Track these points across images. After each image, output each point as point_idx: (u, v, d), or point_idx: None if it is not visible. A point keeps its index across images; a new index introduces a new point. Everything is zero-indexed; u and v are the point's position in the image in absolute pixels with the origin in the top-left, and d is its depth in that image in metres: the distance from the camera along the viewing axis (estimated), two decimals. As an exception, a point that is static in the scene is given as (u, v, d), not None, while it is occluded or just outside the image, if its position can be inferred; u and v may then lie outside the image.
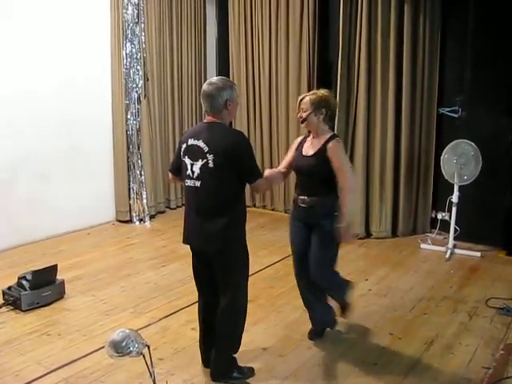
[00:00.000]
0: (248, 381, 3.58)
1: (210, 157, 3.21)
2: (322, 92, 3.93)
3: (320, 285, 4.00)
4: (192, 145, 3.30)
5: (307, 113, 3.84)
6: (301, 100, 3.91)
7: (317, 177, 3.84)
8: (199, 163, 3.26)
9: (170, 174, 3.73)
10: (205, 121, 3.38)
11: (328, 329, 4.22)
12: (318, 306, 4.13)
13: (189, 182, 3.34)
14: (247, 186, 3.37)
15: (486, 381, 3.59)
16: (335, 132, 4.24)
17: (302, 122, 3.91)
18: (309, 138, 3.99)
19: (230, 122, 3.77)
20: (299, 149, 4.00)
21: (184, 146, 3.37)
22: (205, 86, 3.31)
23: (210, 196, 3.27)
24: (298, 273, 4.06)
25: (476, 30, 6.19)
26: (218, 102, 3.25)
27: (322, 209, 3.85)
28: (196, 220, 3.36)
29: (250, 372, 3.64)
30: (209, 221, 3.29)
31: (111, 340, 2.67)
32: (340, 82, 6.54)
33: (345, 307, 4.23)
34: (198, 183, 3.29)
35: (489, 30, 6.10)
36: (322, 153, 3.81)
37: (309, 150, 3.91)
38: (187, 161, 3.33)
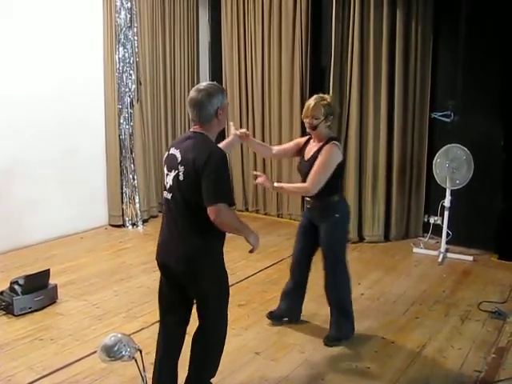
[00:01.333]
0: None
1: (181, 168, 2.90)
2: (329, 98, 4.00)
3: (330, 295, 4.17)
4: (171, 154, 3.03)
5: (319, 121, 3.89)
6: (313, 106, 3.90)
7: None
8: (172, 174, 2.97)
9: None
10: (191, 130, 3.10)
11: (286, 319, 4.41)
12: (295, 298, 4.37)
13: (165, 194, 3.07)
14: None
15: (478, 384, 3.62)
16: (335, 135, 4.33)
17: (314, 129, 3.94)
18: (312, 140, 4.08)
19: (222, 130, 3.44)
20: (303, 151, 4.10)
21: (166, 154, 3.12)
22: (192, 93, 2.99)
23: (183, 211, 2.96)
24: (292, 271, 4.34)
25: (468, 35, 6.23)
26: (207, 112, 2.95)
27: (322, 211, 4.03)
28: (169, 237, 3.09)
29: None
30: (179, 239, 3.01)
31: (103, 344, 2.67)
32: (332, 87, 6.57)
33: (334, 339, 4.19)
34: (169, 195, 3.01)
35: (481, 35, 6.13)
36: (317, 155, 3.91)
37: (308, 154, 4.01)
38: (165, 170, 3.07)
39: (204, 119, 2.98)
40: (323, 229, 4.05)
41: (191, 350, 3.20)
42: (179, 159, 2.94)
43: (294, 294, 4.38)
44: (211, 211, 2.84)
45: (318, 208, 4.07)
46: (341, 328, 4.16)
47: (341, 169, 4.06)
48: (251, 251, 3.14)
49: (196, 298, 3.14)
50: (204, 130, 3.01)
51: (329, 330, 4.18)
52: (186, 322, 3.26)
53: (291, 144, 4.30)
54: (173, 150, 3.03)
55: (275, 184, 4.02)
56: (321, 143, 3.96)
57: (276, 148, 4.44)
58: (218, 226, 2.88)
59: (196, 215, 2.92)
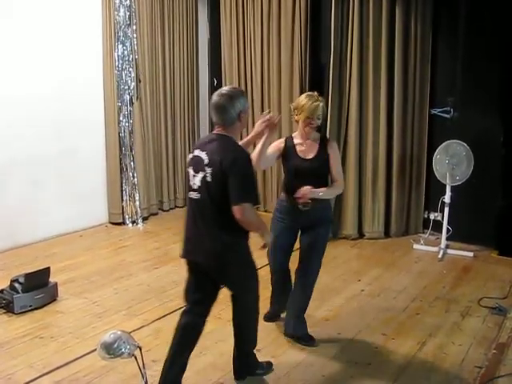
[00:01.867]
0: (242, 381, 3.59)
1: (209, 170, 3.05)
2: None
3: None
4: (196, 156, 3.15)
5: (321, 120, 3.94)
6: (317, 107, 3.86)
7: (320, 178, 3.94)
8: (199, 175, 3.10)
9: None
10: (214, 132, 3.22)
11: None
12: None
13: (190, 194, 3.20)
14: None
15: (478, 380, 3.61)
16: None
17: (319, 130, 3.98)
18: (297, 141, 4.00)
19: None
20: (291, 152, 3.99)
21: (190, 156, 3.24)
22: (215, 98, 3.12)
23: (210, 210, 3.10)
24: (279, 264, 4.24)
25: (467, 31, 6.22)
26: (230, 115, 3.09)
27: (322, 211, 4.00)
28: (196, 234, 3.21)
29: (269, 366, 3.70)
30: (207, 236, 3.14)
31: (103, 342, 2.67)
32: (332, 84, 6.54)
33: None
34: (197, 196, 3.14)
35: (480, 31, 6.12)
36: (323, 153, 3.92)
37: (308, 153, 3.96)
38: (190, 171, 3.19)
39: (227, 122, 3.12)
40: (319, 230, 4.01)
41: (232, 322, 3.51)
42: (206, 161, 3.08)
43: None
44: (236, 210, 3.00)
45: (318, 209, 3.91)
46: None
47: None
48: (264, 247, 3.35)
49: (228, 288, 3.36)
50: (227, 133, 3.14)
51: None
52: (208, 313, 3.42)
53: (273, 150, 4.01)
54: (198, 152, 3.16)
55: (321, 191, 3.86)
56: (316, 142, 3.96)
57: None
58: (242, 225, 3.06)
59: (223, 213, 3.06)
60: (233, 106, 3.08)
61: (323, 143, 3.97)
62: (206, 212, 3.12)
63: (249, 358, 3.61)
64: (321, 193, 3.82)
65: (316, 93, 3.99)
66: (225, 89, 3.20)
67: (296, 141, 4.00)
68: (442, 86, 6.51)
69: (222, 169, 3.00)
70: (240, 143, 3.41)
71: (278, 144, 4.07)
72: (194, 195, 3.16)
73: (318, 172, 3.93)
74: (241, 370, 3.59)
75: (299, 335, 4.09)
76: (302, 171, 3.93)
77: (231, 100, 3.09)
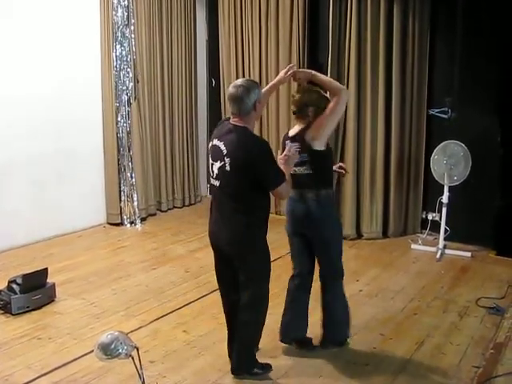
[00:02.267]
0: (240, 381, 3.59)
1: (227, 160, 3.23)
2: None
3: None
4: (215, 145, 3.34)
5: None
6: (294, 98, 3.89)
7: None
8: (218, 164, 3.29)
9: None
10: (231, 121, 3.36)
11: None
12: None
13: (212, 181, 3.41)
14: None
15: (476, 380, 3.62)
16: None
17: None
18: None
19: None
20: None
21: (210, 145, 3.43)
22: (231, 89, 3.29)
23: (229, 197, 3.32)
24: None
25: (465, 30, 6.22)
26: (247, 105, 3.25)
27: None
28: (218, 218, 3.45)
29: (269, 368, 3.71)
30: (228, 221, 3.36)
31: (100, 342, 2.67)
32: (330, 84, 6.54)
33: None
34: (217, 183, 3.34)
35: (478, 30, 6.12)
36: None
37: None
38: (210, 160, 3.40)
39: (244, 112, 3.28)
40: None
41: (238, 322, 3.56)
42: (224, 151, 3.25)
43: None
44: (276, 193, 3.39)
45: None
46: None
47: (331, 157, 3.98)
48: None
49: (241, 274, 3.46)
50: (244, 123, 3.30)
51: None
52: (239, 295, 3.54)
53: None
54: (216, 142, 3.35)
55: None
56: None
57: None
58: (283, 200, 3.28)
59: (240, 201, 3.31)
60: (248, 97, 3.24)
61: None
62: (225, 198, 3.35)
63: (246, 354, 3.63)
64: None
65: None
66: (240, 80, 3.39)
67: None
68: (440, 86, 6.51)
69: (245, 161, 3.19)
70: (263, 90, 3.67)
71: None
72: (214, 182, 3.38)
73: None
74: (237, 366, 3.63)
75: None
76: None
77: (247, 91, 3.24)
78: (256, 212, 3.38)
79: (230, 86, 3.33)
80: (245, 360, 3.63)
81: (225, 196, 3.35)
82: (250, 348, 3.66)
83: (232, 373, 3.63)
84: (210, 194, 3.55)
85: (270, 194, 3.40)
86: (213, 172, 3.36)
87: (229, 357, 3.71)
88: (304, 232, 3.91)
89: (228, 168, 3.24)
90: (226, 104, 7.74)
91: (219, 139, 3.32)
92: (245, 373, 3.62)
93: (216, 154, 3.31)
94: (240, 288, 3.50)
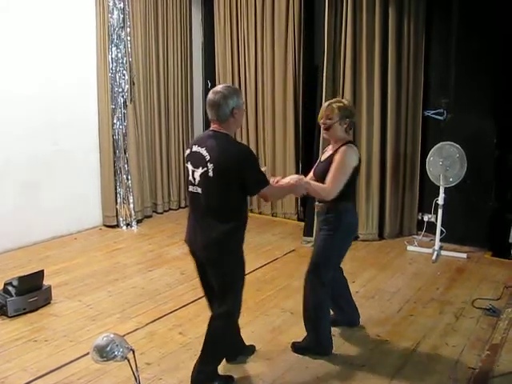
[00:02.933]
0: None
1: (210, 166, 3.18)
2: (346, 101, 3.99)
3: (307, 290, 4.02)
4: (195, 151, 3.29)
5: (333, 121, 3.84)
6: (327, 107, 3.87)
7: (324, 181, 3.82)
8: (199, 170, 3.25)
9: None
10: (210, 129, 3.34)
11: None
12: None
13: (190, 188, 3.35)
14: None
15: (472, 381, 3.63)
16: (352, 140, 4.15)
17: (327, 129, 3.89)
18: (328, 146, 4.05)
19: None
20: (320, 156, 4.12)
21: (188, 151, 3.39)
22: (210, 95, 3.26)
23: (210, 204, 3.26)
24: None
25: (460, 33, 6.24)
26: (224, 111, 3.23)
27: (328, 215, 3.88)
28: (196, 225, 3.39)
29: (231, 381, 3.59)
30: (208, 228, 3.29)
31: (96, 345, 2.67)
32: (325, 85, 6.55)
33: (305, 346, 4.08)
34: (198, 190, 3.28)
35: (473, 33, 6.14)
36: (331, 156, 3.83)
37: (325, 154, 3.98)
38: (189, 167, 3.34)
39: (221, 118, 3.26)
40: (323, 233, 3.91)
41: (206, 333, 3.47)
42: (207, 157, 3.21)
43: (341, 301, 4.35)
44: (263, 195, 3.39)
45: (324, 212, 3.90)
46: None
47: (355, 174, 3.89)
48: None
49: (215, 282, 3.41)
50: (223, 129, 3.28)
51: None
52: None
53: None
54: (196, 148, 3.30)
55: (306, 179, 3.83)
56: (336, 146, 3.85)
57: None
58: (273, 202, 3.25)
59: (221, 208, 3.26)
60: (226, 103, 3.21)
61: (340, 147, 3.83)
62: (206, 205, 3.27)
63: (212, 368, 3.51)
64: (309, 189, 3.73)
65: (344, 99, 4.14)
66: (220, 86, 3.33)
67: (330, 145, 4.04)
68: (436, 88, 6.53)
69: (229, 166, 3.16)
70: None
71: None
72: (193, 189, 3.32)
73: (324, 175, 3.80)
74: (198, 380, 3.47)
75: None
76: (315, 173, 3.99)
77: (225, 98, 3.22)
78: (236, 220, 3.31)
79: (210, 92, 3.30)
80: (208, 374, 3.49)
81: (205, 203, 3.27)
82: (215, 362, 3.52)
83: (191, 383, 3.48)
84: (188, 202, 3.49)
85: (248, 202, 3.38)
86: (194, 179, 3.30)
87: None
88: None
89: (211, 174, 3.18)
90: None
91: (200, 145, 3.28)
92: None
93: (197, 161, 3.26)
94: (214, 299, 3.46)
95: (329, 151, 3.96)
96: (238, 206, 3.34)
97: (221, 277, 3.37)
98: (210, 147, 3.22)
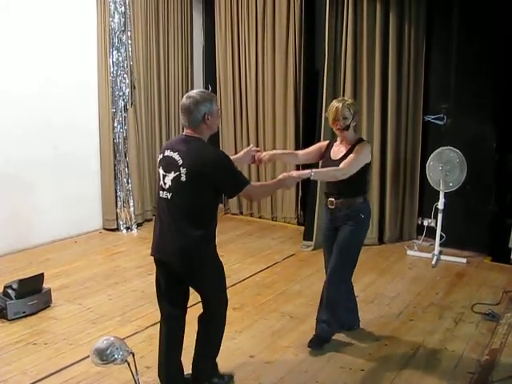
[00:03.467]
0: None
1: (183, 170, 3.12)
2: (351, 100, 4.07)
3: (326, 292, 4.08)
4: (167, 156, 3.23)
5: (349, 120, 3.93)
6: (342, 107, 3.90)
7: (348, 181, 3.85)
8: (171, 175, 3.17)
9: None
10: (183, 133, 3.29)
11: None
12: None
13: (161, 194, 3.27)
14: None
15: (471, 386, 3.63)
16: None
17: (347, 130, 3.95)
18: (336, 143, 4.10)
19: (216, 133, 3.68)
20: (327, 153, 4.11)
21: (160, 156, 3.31)
22: (183, 100, 3.23)
23: (181, 209, 3.18)
24: None
25: (461, 38, 6.26)
26: (195, 117, 3.17)
27: (348, 210, 3.97)
28: (165, 233, 3.29)
29: (230, 379, 3.65)
30: (178, 236, 3.21)
31: (96, 348, 2.67)
32: (326, 90, 6.57)
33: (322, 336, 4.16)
34: (169, 195, 3.21)
35: (473, 38, 6.16)
36: (348, 155, 3.90)
37: (338, 154, 4.01)
38: (161, 171, 3.26)
39: (192, 124, 3.20)
40: (346, 228, 3.99)
41: (198, 331, 3.46)
42: (180, 162, 3.14)
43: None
44: (246, 196, 3.36)
45: (344, 208, 3.98)
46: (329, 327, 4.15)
47: (368, 169, 4.11)
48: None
49: (195, 288, 3.38)
50: (196, 134, 3.22)
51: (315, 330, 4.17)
52: (185, 313, 3.48)
53: (315, 147, 4.29)
54: (168, 152, 3.23)
55: (313, 171, 3.72)
56: (350, 145, 3.97)
57: (301, 152, 4.36)
58: (258, 201, 3.24)
59: (195, 212, 3.18)
60: (197, 109, 3.16)
61: (355, 145, 3.95)
62: (177, 210, 3.20)
63: (207, 365, 3.56)
64: (313, 171, 3.70)
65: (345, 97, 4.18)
66: (193, 92, 3.28)
67: (336, 143, 4.11)
68: (436, 93, 6.55)
69: (203, 171, 3.10)
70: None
71: (321, 143, 4.31)
72: (164, 194, 3.24)
73: None
74: (199, 377, 3.54)
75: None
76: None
77: (196, 103, 3.17)
78: (207, 225, 3.25)
79: (184, 97, 3.27)
80: (207, 371, 3.55)
81: (176, 209, 3.20)
82: (214, 359, 3.57)
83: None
84: (156, 208, 3.43)
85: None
86: (164, 184, 3.22)
87: (160, 377, 3.53)
88: None
89: (184, 178, 3.12)
90: (223, 109, 7.78)
91: (172, 150, 3.21)
92: (205, 382, 3.56)
93: (169, 165, 3.19)
94: (202, 303, 3.43)
95: (342, 149, 4.00)
96: (209, 213, 3.26)
97: (202, 281, 3.33)
98: (182, 152, 3.16)
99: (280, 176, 3.57)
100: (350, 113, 3.92)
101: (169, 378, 3.47)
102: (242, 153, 3.88)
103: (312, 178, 3.73)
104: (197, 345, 3.50)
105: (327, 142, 4.29)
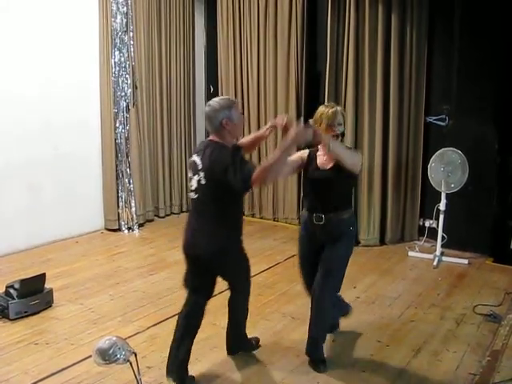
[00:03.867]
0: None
1: (202, 174, 3.38)
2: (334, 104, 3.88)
3: (316, 305, 3.86)
4: (193, 160, 3.49)
5: (343, 127, 3.79)
6: (338, 113, 3.71)
7: (335, 190, 3.74)
8: (196, 178, 3.44)
9: None
10: (208, 138, 3.52)
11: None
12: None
13: (190, 194, 3.56)
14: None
15: (472, 387, 3.63)
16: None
17: (342, 136, 3.81)
18: (318, 153, 3.84)
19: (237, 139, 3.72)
20: (312, 164, 3.84)
21: (190, 160, 3.57)
22: (205, 108, 3.46)
23: (206, 209, 3.46)
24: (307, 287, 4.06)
25: (462, 41, 6.26)
26: (214, 123, 3.39)
27: (339, 224, 3.77)
28: (196, 231, 3.55)
29: (257, 342, 4.12)
30: (208, 233, 3.47)
31: (98, 348, 2.67)
32: (328, 92, 6.59)
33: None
34: (195, 196, 3.49)
35: (475, 41, 6.16)
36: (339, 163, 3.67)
37: (326, 163, 3.77)
38: (189, 174, 3.55)
39: (213, 129, 3.44)
40: (337, 244, 3.80)
41: (229, 309, 3.90)
42: (200, 166, 3.41)
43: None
44: (254, 184, 3.27)
45: (334, 223, 3.76)
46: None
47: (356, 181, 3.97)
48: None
49: (225, 277, 3.71)
50: (218, 139, 3.43)
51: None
52: (206, 302, 3.72)
53: (296, 156, 3.89)
54: (194, 157, 3.50)
55: (332, 142, 3.57)
56: None
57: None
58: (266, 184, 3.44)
59: (216, 211, 3.44)
60: (215, 116, 3.37)
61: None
62: (203, 210, 3.49)
63: (241, 334, 4.00)
64: (331, 144, 3.53)
65: (332, 103, 3.96)
66: (214, 100, 3.48)
67: (319, 152, 3.83)
68: (438, 94, 6.54)
69: (215, 173, 3.31)
70: (245, 140, 3.95)
71: (301, 153, 3.92)
72: (192, 195, 3.53)
73: (337, 183, 3.73)
74: (234, 345, 3.99)
75: (313, 358, 3.91)
76: (319, 182, 3.79)
77: (214, 111, 3.38)
78: (231, 222, 3.54)
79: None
80: (242, 340, 4.02)
81: (203, 208, 3.48)
82: (244, 329, 4.00)
83: (229, 354, 3.98)
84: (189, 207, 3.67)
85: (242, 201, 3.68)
86: (191, 186, 3.50)
87: (168, 362, 3.64)
88: None
89: (203, 181, 3.39)
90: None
91: (197, 155, 3.48)
92: (241, 349, 4.02)
93: (194, 169, 3.46)
94: (230, 289, 3.81)
95: (329, 159, 3.74)
96: (232, 211, 3.54)
97: (233, 275, 3.72)
98: (202, 156, 3.41)
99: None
100: (343, 119, 3.78)
101: (174, 361, 3.62)
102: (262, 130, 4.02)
103: (329, 150, 3.56)
104: (229, 321, 3.94)
105: (306, 150, 3.93)
